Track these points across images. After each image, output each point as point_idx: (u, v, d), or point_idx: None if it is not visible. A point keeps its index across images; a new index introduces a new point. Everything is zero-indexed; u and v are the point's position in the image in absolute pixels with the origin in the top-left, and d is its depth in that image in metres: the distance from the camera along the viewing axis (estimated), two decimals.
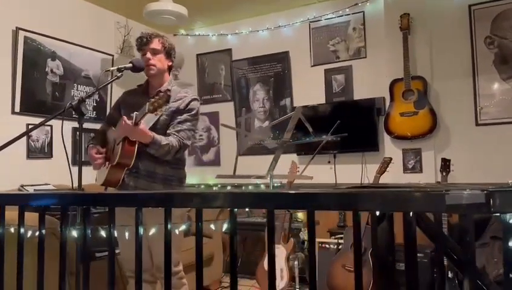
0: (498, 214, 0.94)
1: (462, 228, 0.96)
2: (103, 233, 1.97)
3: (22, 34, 3.39)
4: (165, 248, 1.33)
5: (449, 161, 3.17)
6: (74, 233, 1.79)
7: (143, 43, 2.31)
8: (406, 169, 3.68)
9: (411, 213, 1.03)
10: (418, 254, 3.07)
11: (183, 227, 2.00)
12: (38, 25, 3.52)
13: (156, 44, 2.31)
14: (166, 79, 2.39)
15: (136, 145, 2.15)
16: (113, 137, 2.29)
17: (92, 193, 1.58)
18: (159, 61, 2.32)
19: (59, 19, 3.74)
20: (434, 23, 3.67)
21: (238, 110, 4.61)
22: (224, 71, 4.75)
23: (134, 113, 2.08)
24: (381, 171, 3.12)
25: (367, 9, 4.00)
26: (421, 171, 3.62)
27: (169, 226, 1.32)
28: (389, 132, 3.68)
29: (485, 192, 0.91)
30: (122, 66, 2.22)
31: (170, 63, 2.40)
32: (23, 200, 1.58)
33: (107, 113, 4.11)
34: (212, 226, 2.28)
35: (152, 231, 2.00)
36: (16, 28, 3.37)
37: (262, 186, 4.15)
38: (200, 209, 1.24)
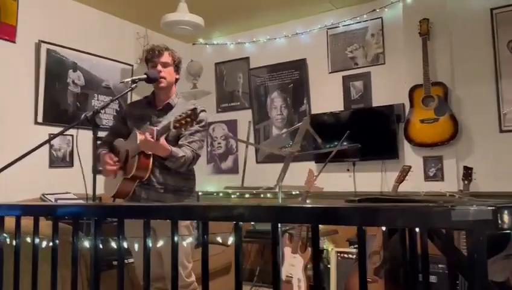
0: (508, 231, 0.90)
1: (470, 245, 0.92)
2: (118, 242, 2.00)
3: (44, 46, 3.49)
4: (172, 259, 1.33)
5: (471, 169, 3.08)
6: (87, 243, 1.82)
7: (154, 55, 2.34)
8: (427, 177, 3.59)
9: (417, 229, 1.00)
10: (439, 265, 2.99)
11: (190, 239, 2.00)
12: (60, 37, 3.62)
13: (166, 57, 2.35)
14: (173, 91, 2.43)
15: (151, 158, 2.18)
16: (124, 148, 2.31)
17: (102, 204, 1.61)
18: (169, 74, 2.36)
19: (80, 31, 3.83)
20: (454, 27, 3.59)
21: (255, 118, 4.62)
22: (242, 79, 4.77)
23: (155, 128, 2.11)
24: (400, 179, 3.06)
25: (385, 15, 3.95)
26: (442, 179, 3.52)
27: (175, 238, 1.33)
28: (409, 139, 3.60)
29: (492, 208, 0.88)
30: (137, 77, 2.27)
31: (178, 76, 2.44)
32: (37, 212, 1.62)
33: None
34: (220, 239, 2.27)
35: (163, 241, 2.01)
36: (39, 40, 3.47)
37: (281, 194, 4.14)
38: (205, 222, 1.24)
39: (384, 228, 1.08)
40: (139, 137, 2.15)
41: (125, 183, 2.21)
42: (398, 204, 1.00)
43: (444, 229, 1.17)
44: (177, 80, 2.44)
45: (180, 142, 2.27)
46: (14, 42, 3.32)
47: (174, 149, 2.18)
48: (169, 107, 2.38)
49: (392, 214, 0.99)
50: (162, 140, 2.11)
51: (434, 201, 1.42)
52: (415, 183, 3.50)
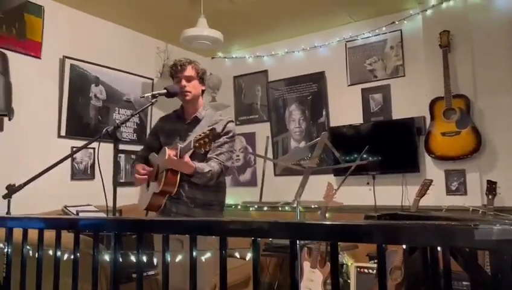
0: None
1: (494, 265, 0.89)
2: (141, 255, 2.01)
3: (68, 62, 3.59)
4: (190, 273, 1.34)
5: (495, 183, 3.00)
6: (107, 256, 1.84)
7: (177, 70, 2.37)
8: (449, 191, 3.52)
9: (438, 248, 0.98)
10: (463, 282, 2.90)
11: (208, 254, 2.00)
12: (83, 53, 3.72)
13: (189, 71, 2.37)
14: (200, 104, 2.45)
15: (179, 174, 2.21)
16: (156, 163, 2.36)
17: (122, 218, 1.62)
18: (194, 88, 2.38)
19: (102, 46, 3.93)
20: (476, 39, 3.54)
21: (274, 131, 4.62)
22: (260, 92, 4.79)
23: (179, 146, 2.14)
24: (421, 194, 3.00)
25: (404, 28, 3.92)
26: (465, 193, 3.44)
27: (194, 253, 1.33)
28: (430, 152, 3.54)
29: None
30: (157, 92, 2.30)
31: (203, 88, 2.46)
32: (58, 225, 1.65)
33: (147, 134, 4.24)
34: (238, 255, 2.27)
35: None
36: (63, 56, 3.57)
37: (300, 208, 4.11)
38: (224, 238, 1.24)
39: (405, 246, 1.06)
40: (169, 153, 2.19)
41: (155, 197, 2.26)
42: (419, 222, 0.98)
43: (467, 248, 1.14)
44: (203, 91, 2.46)
45: (208, 155, 2.28)
46: (39, 58, 3.42)
47: (199, 165, 2.19)
48: (196, 121, 2.40)
49: (414, 232, 0.98)
50: (186, 158, 2.13)
51: (456, 219, 1.38)
52: (437, 197, 3.43)
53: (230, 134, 2.36)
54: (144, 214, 2.41)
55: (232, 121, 2.42)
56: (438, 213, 3.13)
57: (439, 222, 1.06)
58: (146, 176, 2.35)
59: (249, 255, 1.39)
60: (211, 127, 2.03)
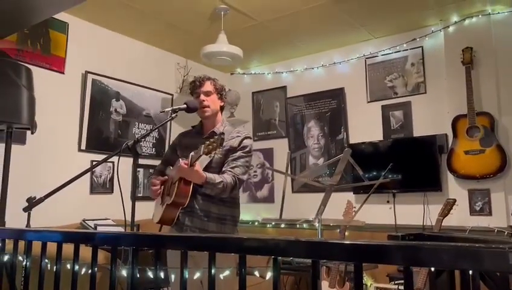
0: None
1: None
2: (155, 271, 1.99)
3: (90, 77, 3.65)
4: None
5: None
6: (124, 271, 1.82)
7: (196, 86, 2.40)
8: (472, 211, 3.41)
9: (470, 271, 0.93)
10: None
11: (230, 271, 1.97)
12: (104, 68, 3.79)
13: (208, 86, 2.39)
14: (219, 119, 2.45)
15: (191, 185, 2.19)
16: (170, 175, 2.36)
17: (141, 233, 1.61)
18: (212, 103, 2.39)
19: (123, 62, 3.99)
20: (500, 55, 3.48)
21: (292, 147, 4.59)
22: (279, 108, 4.79)
23: (190, 154, 2.14)
24: (444, 213, 2.91)
25: (426, 44, 3.88)
26: (490, 213, 3.34)
27: (213, 271, 1.30)
28: (453, 171, 3.46)
29: None
30: (177, 107, 2.31)
31: (222, 104, 2.47)
32: (77, 239, 1.64)
33: (166, 149, 4.27)
34: (257, 273, 2.23)
35: (201, 273, 1.98)
36: (85, 71, 3.64)
37: (316, 224, 4.04)
38: (243, 255, 1.21)
39: (433, 269, 1.02)
40: (180, 163, 2.19)
41: (168, 210, 2.23)
42: (450, 244, 0.93)
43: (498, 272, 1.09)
44: (221, 107, 2.47)
45: (223, 169, 2.28)
46: (63, 73, 3.49)
47: (210, 175, 2.18)
48: (214, 135, 2.40)
49: (443, 255, 0.93)
50: (197, 166, 2.12)
51: (484, 241, 1.33)
52: (460, 218, 3.34)
53: (247, 149, 2.35)
54: (158, 228, 2.40)
55: (250, 138, 2.41)
56: (464, 235, 3.03)
57: (470, 244, 1.01)
58: (160, 188, 2.34)
59: (268, 275, 1.36)
60: (219, 131, 2.09)
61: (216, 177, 2.19)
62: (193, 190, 2.21)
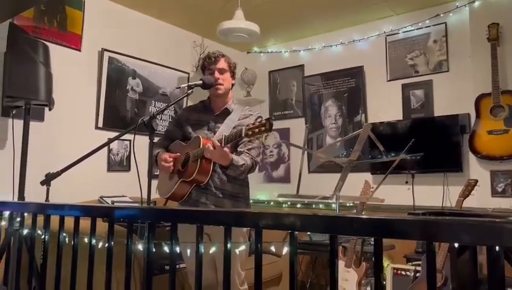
0: None
1: None
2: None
3: (106, 54, 3.64)
4: (224, 266, 1.30)
5: None
6: (141, 246, 1.83)
7: (211, 62, 2.36)
8: (494, 192, 3.33)
9: (497, 248, 0.88)
10: (509, 289, 2.74)
11: (242, 247, 1.96)
12: (121, 46, 3.76)
13: (222, 64, 2.36)
14: (230, 97, 2.44)
15: (212, 164, 2.18)
16: (184, 152, 2.33)
17: (157, 207, 1.61)
18: (226, 80, 2.37)
19: (140, 40, 3.96)
20: None
21: (306, 126, 4.53)
22: (296, 87, 4.72)
23: (223, 135, 2.10)
24: (465, 194, 2.84)
25: (449, 20, 3.74)
26: None
27: (229, 246, 1.29)
28: (475, 152, 3.36)
29: None
30: (193, 83, 2.29)
31: (234, 82, 2.45)
32: (94, 213, 1.65)
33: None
34: (274, 248, 2.21)
35: (219, 248, 1.98)
36: (102, 49, 3.62)
37: (333, 205, 4.01)
38: (259, 230, 1.19)
39: (456, 245, 0.98)
40: (204, 143, 2.16)
41: (182, 186, 2.24)
42: (474, 219, 0.89)
43: None
44: (233, 85, 2.46)
45: (239, 149, 2.27)
46: (79, 50, 3.49)
47: (235, 157, 2.17)
48: (226, 113, 2.38)
49: (467, 230, 0.89)
50: (227, 149, 2.10)
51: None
52: (481, 199, 3.26)
53: None
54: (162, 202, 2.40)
55: (262, 117, 2.37)
56: (488, 212, 2.96)
57: (496, 219, 0.97)
58: (172, 165, 2.30)
59: (285, 249, 1.33)
60: (267, 118, 1.97)
61: (239, 160, 2.18)
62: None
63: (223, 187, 2.27)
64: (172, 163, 2.30)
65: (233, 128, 2.28)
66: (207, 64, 2.38)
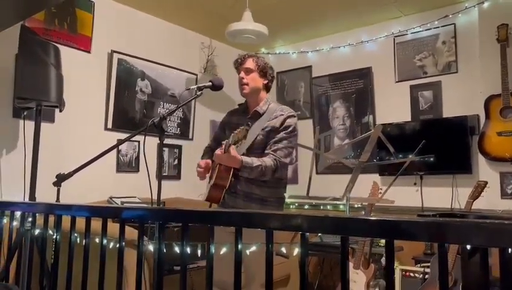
0: None
1: None
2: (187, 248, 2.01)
3: (116, 56, 3.67)
4: (235, 266, 1.30)
5: None
6: (151, 247, 1.84)
7: (238, 63, 2.39)
8: (504, 194, 3.31)
9: (509, 250, 0.88)
10: None
11: (253, 248, 1.97)
12: (130, 47, 3.79)
13: (249, 63, 2.36)
14: (262, 97, 2.40)
15: (231, 168, 2.20)
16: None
17: (167, 208, 1.62)
18: (252, 80, 2.35)
19: (149, 41, 3.99)
20: None
21: (316, 128, 4.53)
22: (303, 88, 4.72)
23: (225, 141, 2.15)
24: (475, 196, 2.83)
25: (458, 21, 3.73)
26: None
27: (239, 246, 1.30)
28: (484, 153, 3.35)
29: None
30: (202, 84, 2.29)
31: (266, 82, 2.40)
32: (105, 214, 1.66)
33: (190, 129, 4.28)
34: (284, 249, 2.21)
35: (248, 249, 1.99)
36: (111, 50, 3.65)
37: (341, 207, 4.00)
38: (270, 232, 1.20)
39: (468, 247, 0.98)
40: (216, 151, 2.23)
41: (212, 190, 2.27)
42: (486, 221, 0.89)
43: None
44: (266, 85, 2.41)
45: (265, 151, 2.26)
46: (89, 52, 3.52)
47: (247, 159, 2.16)
48: (257, 115, 2.36)
49: (479, 232, 0.89)
50: (232, 152, 2.10)
51: None
52: (490, 201, 3.23)
53: (290, 128, 2.29)
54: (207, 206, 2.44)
55: (294, 116, 2.35)
56: (498, 214, 2.94)
57: (507, 221, 0.97)
58: (205, 170, 2.37)
59: (295, 251, 1.34)
60: (245, 128, 2.01)
61: (254, 161, 2.17)
62: (235, 173, 2.22)
63: (250, 191, 2.25)
64: (203, 169, 2.35)
65: (262, 129, 2.28)
66: (236, 66, 2.41)
